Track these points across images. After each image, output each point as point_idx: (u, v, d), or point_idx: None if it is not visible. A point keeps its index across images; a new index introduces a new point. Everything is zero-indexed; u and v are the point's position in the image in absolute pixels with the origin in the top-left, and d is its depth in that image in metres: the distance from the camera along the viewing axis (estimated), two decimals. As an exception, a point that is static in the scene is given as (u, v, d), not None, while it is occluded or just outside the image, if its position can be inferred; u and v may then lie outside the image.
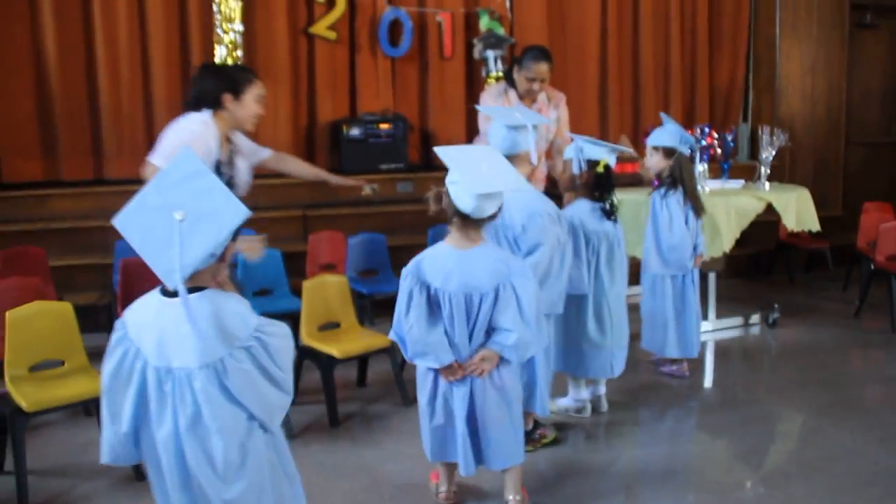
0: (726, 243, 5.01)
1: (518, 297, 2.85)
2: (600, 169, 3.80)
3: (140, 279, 4.48)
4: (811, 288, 6.93)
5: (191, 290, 1.96)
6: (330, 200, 6.35)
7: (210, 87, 3.58)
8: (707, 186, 5.38)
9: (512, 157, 3.26)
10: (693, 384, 4.68)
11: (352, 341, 4.12)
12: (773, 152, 5.72)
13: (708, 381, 4.78)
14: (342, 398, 4.21)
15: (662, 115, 4.71)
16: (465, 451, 2.94)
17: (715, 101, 8.12)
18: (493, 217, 2.88)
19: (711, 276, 5.46)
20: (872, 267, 5.79)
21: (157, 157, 3.48)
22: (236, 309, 2.06)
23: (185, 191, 1.94)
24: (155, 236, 1.91)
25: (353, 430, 3.97)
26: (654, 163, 4.50)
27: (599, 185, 3.84)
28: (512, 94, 4.94)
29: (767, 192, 5.41)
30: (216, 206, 1.95)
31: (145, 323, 2.05)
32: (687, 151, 4.50)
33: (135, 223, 1.94)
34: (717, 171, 5.97)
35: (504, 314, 2.86)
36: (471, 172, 2.75)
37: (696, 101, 7.98)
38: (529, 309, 2.85)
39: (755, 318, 5.71)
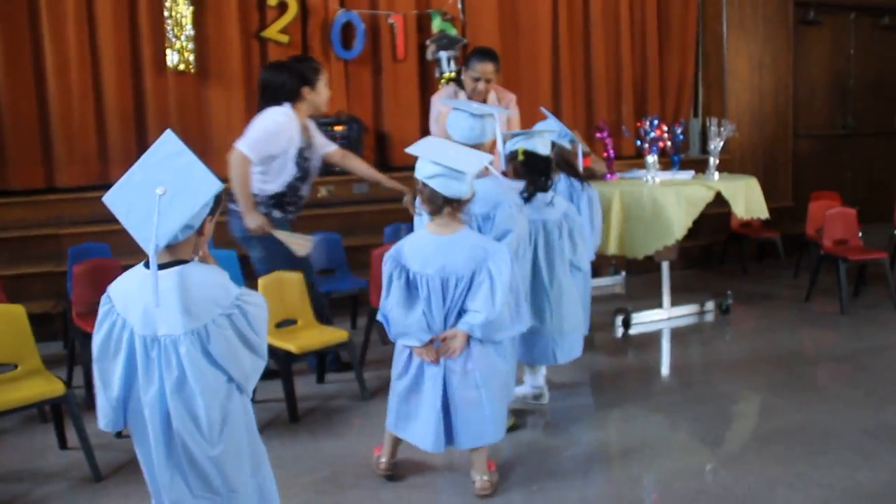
0: (678, 231, 5.09)
1: (492, 280, 2.96)
2: (520, 157, 3.85)
3: (94, 284, 4.45)
4: (763, 276, 7.08)
5: (173, 264, 2.13)
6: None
7: (289, 83, 4.17)
8: (657, 177, 5.48)
9: (477, 147, 3.35)
10: (650, 369, 4.76)
11: (309, 337, 4.13)
12: (722, 143, 5.84)
13: (665, 366, 4.86)
14: (301, 395, 4.21)
15: (543, 109, 4.71)
16: (438, 429, 3.04)
17: (666, 97, 8.26)
18: (469, 201, 3.03)
19: (665, 265, 5.55)
20: (821, 252, 5.92)
21: (244, 145, 4.09)
22: (217, 279, 2.19)
23: (167, 168, 2.10)
24: (138, 210, 2.07)
25: (312, 425, 3.97)
26: None
27: (531, 170, 3.86)
28: (462, 95, 4.98)
29: (716, 181, 5.51)
30: (193, 181, 2.09)
31: (130, 294, 2.16)
32: (567, 144, 4.50)
33: (120, 199, 2.11)
34: (667, 164, 6.08)
35: (476, 296, 2.98)
36: (450, 159, 2.90)
37: (647, 97, 8.11)
38: (503, 291, 2.95)
39: (709, 305, 5.82)
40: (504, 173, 3.87)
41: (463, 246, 3.00)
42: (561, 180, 4.47)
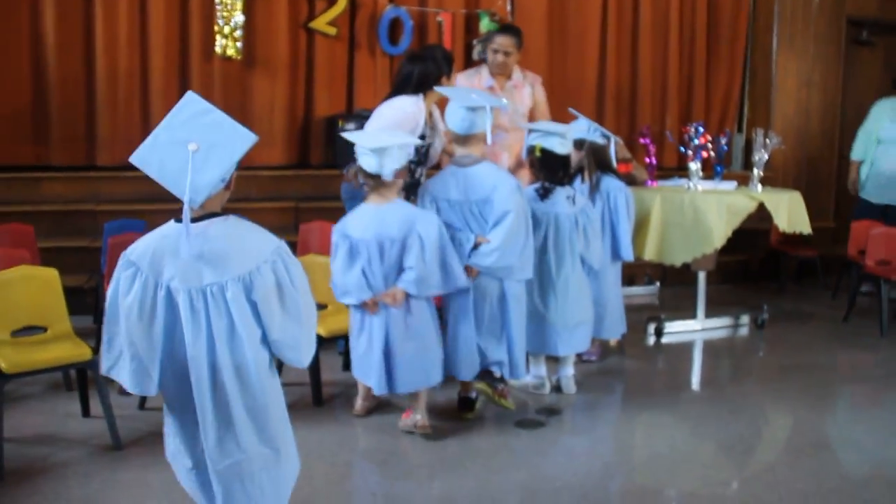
0: (717, 240, 5.00)
1: (422, 241, 3.40)
2: (537, 153, 4.03)
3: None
4: (801, 295, 6.93)
5: (206, 217, 2.20)
6: (322, 194, 6.34)
7: (434, 72, 4.21)
8: (700, 185, 5.39)
9: (469, 137, 3.68)
10: (681, 377, 4.68)
11: (339, 322, 4.09)
12: (767, 155, 5.73)
13: (696, 375, 4.78)
14: (326, 380, 4.19)
15: (571, 110, 4.76)
16: (380, 373, 3.47)
17: (711, 109, 8.14)
18: (402, 175, 3.49)
19: (701, 276, 5.45)
20: (863, 272, 5.79)
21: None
22: (258, 230, 2.29)
23: (196, 126, 2.18)
24: (172, 167, 2.13)
25: (335, 410, 3.95)
26: (574, 158, 4.39)
27: (543, 168, 4.04)
28: (484, 71, 5.15)
29: (760, 192, 5.41)
30: (226, 136, 2.19)
31: (160, 252, 2.19)
32: (599, 139, 4.55)
33: (151, 158, 2.18)
34: (710, 175, 5.97)
35: (408, 256, 3.42)
36: (366, 137, 3.49)
37: (692, 108, 8.00)
38: (431, 251, 3.42)
39: (744, 318, 5.70)
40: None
41: (396, 213, 3.46)
42: (602, 179, 4.48)
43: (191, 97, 2.26)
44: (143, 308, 2.18)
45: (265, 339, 2.24)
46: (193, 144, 2.12)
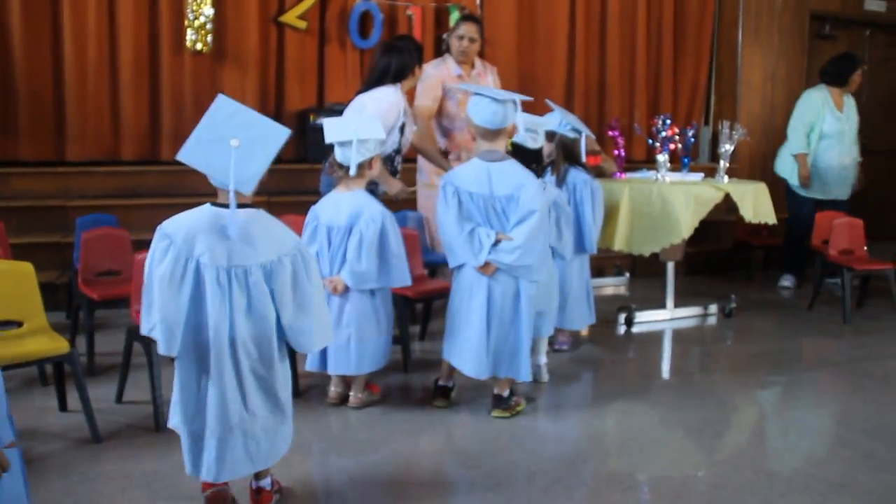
0: (685, 230, 5.10)
1: (361, 235, 3.55)
2: (508, 146, 4.02)
3: (102, 252, 4.47)
4: (767, 284, 7.08)
5: (241, 206, 2.50)
6: (294, 188, 6.36)
7: (409, 62, 4.43)
8: (668, 177, 5.49)
9: (497, 132, 3.66)
10: (651, 365, 4.77)
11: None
12: (733, 148, 5.85)
13: (665, 364, 4.87)
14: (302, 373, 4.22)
15: (549, 101, 4.79)
16: (317, 354, 3.72)
17: (678, 102, 8.27)
18: (373, 165, 3.66)
19: (670, 266, 5.56)
20: (826, 262, 5.93)
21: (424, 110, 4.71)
22: (282, 226, 2.64)
23: (234, 125, 2.48)
24: (218, 162, 2.45)
25: (311, 401, 3.99)
26: (545, 150, 4.45)
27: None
28: (450, 60, 5.30)
29: (726, 184, 5.52)
30: (263, 131, 2.51)
31: (195, 230, 2.50)
32: (570, 133, 4.60)
33: (197, 154, 2.49)
34: (677, 167, 6.08)
35: (349, 248, 3.58)
36: (333, 128, 3.57)
37: (660, 101, 8.12)
38: (368, 246, 3.54)
39: (712, 308, 5.81)
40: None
41: (348, 203, 3.61)
42: (569, 172, 4.55)
43: (222, 100, 2.55)
44: (174, 277, 2.47)
45: (278, 322, 2.56)
46: (235, 141, 2.42)
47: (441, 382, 3.92)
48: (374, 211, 3.62)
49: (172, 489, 2.96)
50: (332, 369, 3.76)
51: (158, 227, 2.53)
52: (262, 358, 2.57)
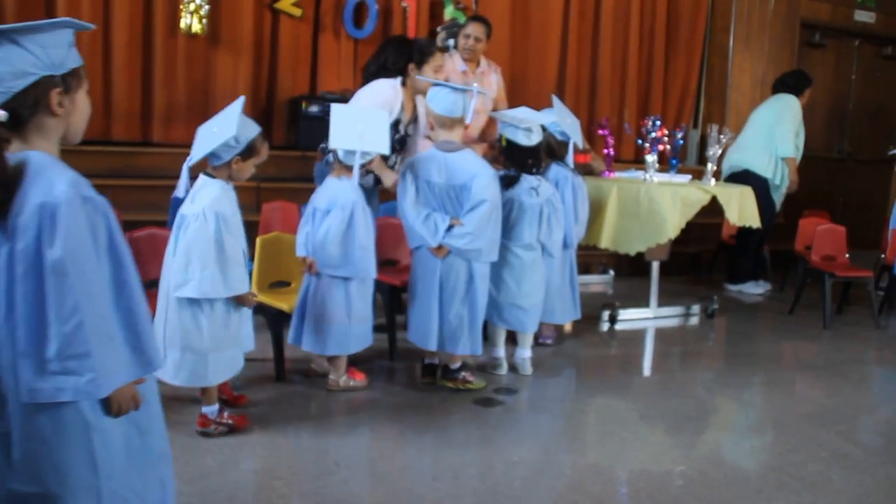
0: (671, 230, 5.16)
1: (329, 224, 3.69)
2: (502, 143, 4.25)
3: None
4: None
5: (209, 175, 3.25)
6: (285, 174, 6.37)
7: (398, 58, 4.36)
8: (656, 178, 5.55)
9: (452, 121, 3.87)
10: (633, 362, 4.83)
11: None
12: (721, 150, 5.92)
13: (647, 361, 4.94)
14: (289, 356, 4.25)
15: (554, 97, 4.81)
16: (293, 325, 3.89)
17: (668, 104, 8.34)
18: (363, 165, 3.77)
19: (655, 266, 5.62)
20: (808, 267, 6.00)
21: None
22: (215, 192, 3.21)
23: (220, 117, 3.21)
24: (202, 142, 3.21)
25: (297, 384, 4.02)
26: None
27: (508, 157, 4.25)
28: (456, 56, 5.43)
29: (713, 186, 5.58)
30: (222, 126, 3.16)
31: None
32: (557, 135, 4.70)
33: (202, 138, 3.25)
34: (665, 168, 6.14)
35: (318, 233, 3.75)
36: (341, 132, 3.65)
37: (650, 102, 8.18)
38: (334, 234, 3.68)
39: (695, 308, 5.88)
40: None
41: (330, 189, 3.79)
42: (551, 167, 4.60)
43: (239, 100, 3.26)
44: None
45: None
46: (216, 127, 3.14)
47: (427, 361, 4.11)
48: (347, 200, 3.71)
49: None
50: (306, 346, 3.87)
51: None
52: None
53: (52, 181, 1.73)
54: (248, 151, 3.17)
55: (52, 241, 1.69)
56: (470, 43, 5.36)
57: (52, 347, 1.71)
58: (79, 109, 1.90)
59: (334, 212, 3.70)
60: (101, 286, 1.78)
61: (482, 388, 4.06)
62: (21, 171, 1.73)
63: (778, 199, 6.73)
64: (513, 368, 4.36)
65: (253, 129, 3.21)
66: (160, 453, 2.00)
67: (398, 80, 4.40)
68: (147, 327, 1.87)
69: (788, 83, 6.86)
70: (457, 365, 4.03)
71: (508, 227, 4.16)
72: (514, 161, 4.22)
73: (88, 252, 1.75)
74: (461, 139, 3.99)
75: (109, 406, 1.82)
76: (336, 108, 3.73)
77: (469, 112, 3.90)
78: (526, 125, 4.17)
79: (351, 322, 3.81)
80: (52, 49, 1.79)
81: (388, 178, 4.49)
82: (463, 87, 3.92)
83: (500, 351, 4.37)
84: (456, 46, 5.56)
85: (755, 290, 6.86)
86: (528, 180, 4.19)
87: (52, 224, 1.70)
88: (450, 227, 3.82)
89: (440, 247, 3.85)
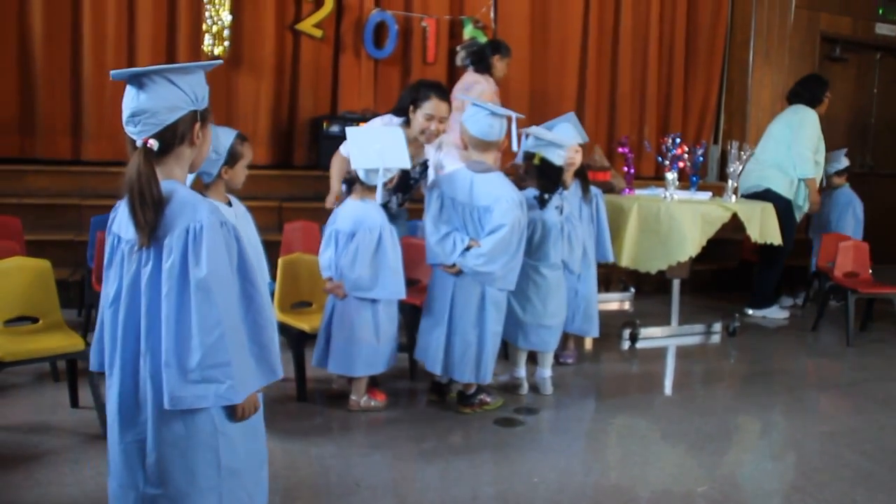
0: (692, 248, 5.14)
1: (357, 245, 3.70)
2: (535, 161, 4.21)
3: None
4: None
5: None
6: (306, 194, 6.43)
7: (405, 98, 4.24)
8: (676, 195, 5.54)
9: (488, 143, 3.82)
10: (654, 381, 4.82)
11: (322, 319, 4.18)
12: (742, 167, 5.90)
13: (668, 380, 4.91)
14: (310, 376, 4.28)
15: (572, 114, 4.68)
16: (318, 347, 3.89)
17: (688, 120, 8.34)
18: (387, 184, 3.75)
19: (675, 283, 5.60)
20: (831, 284, 5.96)
21: (343, 147, 4.33)
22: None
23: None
24: None
25: (319, 405, 4.04)
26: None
27: (541, 175, 4.22)
28: (490, 83, 5.55)
29: (733, 203, 5.57)
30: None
31: None
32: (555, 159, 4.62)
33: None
34: (686, 185, 6.13)
35: (347, 255, 3.75)
36: (361, 152, 3.66)
37: (669, 119, 8.20)
38: (364, 256, 3.69)
39: (716, 326, 5.85)
40: (519, 167, 4.41)
41: (356, 210, 3.78)
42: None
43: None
44: None
45: None
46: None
47: (436, 379, 4.11)
48: (374, 222, 3.73)
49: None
50: (332, 368, 3.87)
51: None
52: None
53: (195, 208, 1.93)
54: (232, 158, 3.06)
55: (197, 261, 1.88)
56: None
57: (194, 357, 1.88)
58: (207, 141, 2.11)
59: (361, 233, 3.71)
60: (235, 301, 1.96)
61: (500, 405, 4.06)
62: (168, 197, 1.94)
63: (800, 217, 6.52)
64: (533, 388, 4.36)
65: (229, 136, 3.08)
66: (263, 457, 2.23)
67: (399, 120, 4.22)
68: (270, 338, 2.05)
69: (803, 95, 6.44)
70: (472, 391, 3.99)
71: (534, 248, 4.16)
72: (548, 180, 4.21)
73: (226, 270, 1.94)
74: (494, 162, 3.95)
75: (234, 412, 2.00)
76: (352, 131, 3.77)
77: (502, 135, 3.82)
78: (561, 143, 4.18)
79: (379, 342, 3.82)
80: (198, 87, 2.02)
81: (328, 201, 4.48)
82: (503, 112, 3.83)
83: (522, 371, 4.36)
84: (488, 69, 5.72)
85: (779, 315, 6.55)
86: (554, 199, 4.21)
87: (197, 245, 1.89)
88: (469, 248, 3.78)
89: (453, 265, 3.83)
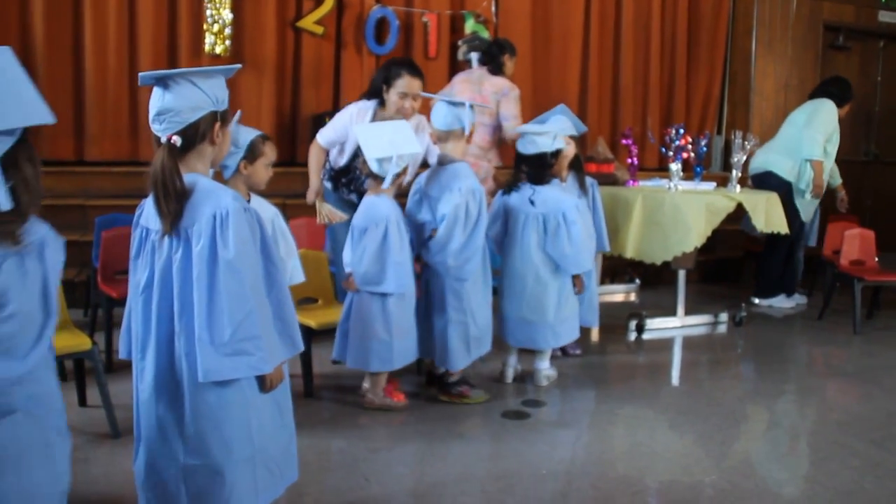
0: (697, 238, 5.14)
1: (365, 240, 3.72)
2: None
3: (120, 252, 4.53)
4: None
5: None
6: (310, 190, 6.42)
7: (377, 79, 4.25)
8: (680, 186, 5.53)
9: (448, 133, 3.91)
10: (661, 372, 4.81)
11: (329, 315, 4.19)
12: (745, 156, 5.89)
13: (675, 370, 4.91)
14: (317, 372, 4.29)
15: (563, 106, 4.63)
16: (338, 341, 3.88)
17: (691, 111, 8.32)
18: (399, 175, 3.75)
19: (681, 274, 5.59)
20: (837, 272, 5.95)
21: (320, 135, 4.47)
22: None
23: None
24: None
25: (327, 401, 4.05)
26: (570, 150, 4.44)
27: (517, 165, 4.29)
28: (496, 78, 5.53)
29: (738, 193, 5.56)
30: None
31: None
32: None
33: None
34: (689, 175, 6.12)
35: (355, 249, 3.79)
36: (372, 143, 3.64)
37: (672, 110, 8.18)
38: (372, 250, 3.69)
39: (723, 316, 5.85)
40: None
41: (367, 205, 3.78)
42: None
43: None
44: None
45: None
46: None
47: (431, 369, 4.20)
48: (380, 216, 3.73)
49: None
50: (351, 363, 3.88)
51: None
52: None
53: (219, 196, 2.10)
54: (251, 153, 3.09)
55: (225, 243, 2.04)
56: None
57: (227, 332, 2.04)
58: (226, 141, 2.29)
59: (369, 228, 3.74)
60: (260, 280, 2.13)
61: (482, 401, 4.05)
62: (191, 189, 2.11)
63: (804, 205, 6.29)
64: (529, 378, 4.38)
65: (250, 133, 3.14)
66: (291, 432, 2.38)
67: (373, 102, 4.28)
68: (291, 314, 2.24)
69: (832, 91, 6.35)
70: (453, 379, 4.03)
71: (508, 240, 4.22)
72: (528, 168, 4.22)
73: (252, 251, 2.11)
74: (461, 153, 3.96)
75: (263, 383, 2.18)
76: (359, 128, 3.79)
77: (468, 125, 3.87)
78: (531, 131, 4.21)
79: (392, 338, 3.79)
80: (219, 90, 2.18)
81: (309, 195, 4.54)
82: (459, 101, 3.90)
83: (512, 359, 4.40)
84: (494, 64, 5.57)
85: (785, 304, 6.50)
86: (526, 188, 4.18)
87: (224, 229, 2.05)
88: (430, 238, 3.88)
89: (418, 256, 3.96)
